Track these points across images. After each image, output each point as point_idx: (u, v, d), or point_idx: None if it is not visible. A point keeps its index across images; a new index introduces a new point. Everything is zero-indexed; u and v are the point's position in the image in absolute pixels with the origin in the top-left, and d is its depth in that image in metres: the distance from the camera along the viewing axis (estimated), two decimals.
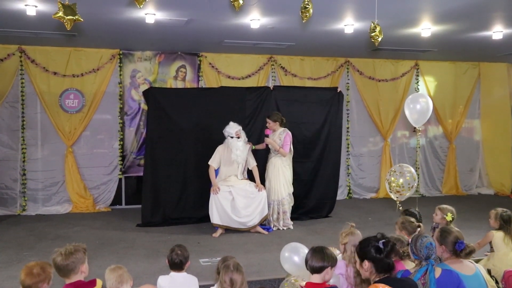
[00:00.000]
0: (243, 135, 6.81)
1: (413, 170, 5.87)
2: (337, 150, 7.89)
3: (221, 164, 6.80)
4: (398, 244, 3.48)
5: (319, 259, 3.01)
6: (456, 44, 8.26)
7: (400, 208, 5.33)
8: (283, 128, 6.95)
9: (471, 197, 9.98)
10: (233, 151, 6.67)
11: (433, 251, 3.12)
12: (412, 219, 4.22)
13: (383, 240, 2.73)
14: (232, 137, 6.70)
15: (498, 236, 4.54)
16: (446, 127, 10.31)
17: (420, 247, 3.11)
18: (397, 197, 5.86)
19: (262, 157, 7.16)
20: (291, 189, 7.03)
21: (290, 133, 6.94)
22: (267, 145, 6.99)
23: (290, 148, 6.92)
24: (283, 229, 6.91)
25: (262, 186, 6.78)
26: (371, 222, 7.37)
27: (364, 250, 2.78)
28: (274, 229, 6.90)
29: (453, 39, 7.79)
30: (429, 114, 6.25)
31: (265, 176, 7.02)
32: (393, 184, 5.76)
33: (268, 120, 6.95)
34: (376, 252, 2.71)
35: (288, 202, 6.99)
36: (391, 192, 5.87)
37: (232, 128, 6.74)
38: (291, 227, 7.00)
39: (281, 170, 6.90)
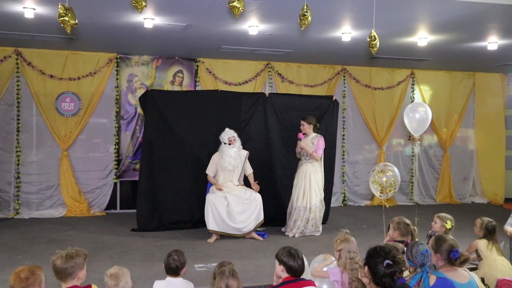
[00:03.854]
0: (238, 141, 6.82)
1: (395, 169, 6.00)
2: (331, 158, 7.91)
3: (218, 170, 6.80)
4: (393, 252, 3.49)
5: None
6: (452, 54, 8.34)
7: (387, 206, 5.36)
8: (315, 133, 6.93)
9: (464, 206, 10.03)
10: (223, 157, 6.67)
11: (428, 258, 3.14)
12: (408, 222, 4.26)
13: (389, 262, 2.69)
14: (225, 143, 6.72)
15: (482, 244, 4.64)
16: (441, 136, 10.38)
17: (416, 253, 3.13)
18: (387, 196, 5.91)
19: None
20: (323, 195, 7.01)
21: (323, 138, 6.93)
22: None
23: (322, 153, 6.91)
24: (308, 235, 6.84)
25: (257, 186, 6.81)
26: (365, 229, 7.39)
27: (369, 258, 2.78)
28: (290, 235, 6.83)
29: (449, 49, 7.86)
30: (428, 123, 6.29)
31: (294, 183, 6.96)
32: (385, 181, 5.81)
33: (303, 122, 6.91)
34: (377, 266, 2.70)
35: (319, 209, 6.93)
36: (382, 193, 5.88)
37: (226, 134, 6.76)
38: (317, 234, 6.93)
39: (313, 177, 6.84)
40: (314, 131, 6.95)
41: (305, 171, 6.87)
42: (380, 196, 5.97)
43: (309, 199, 6.83)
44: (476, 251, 4.70)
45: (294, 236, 6.83)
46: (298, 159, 7.08)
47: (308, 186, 6.83)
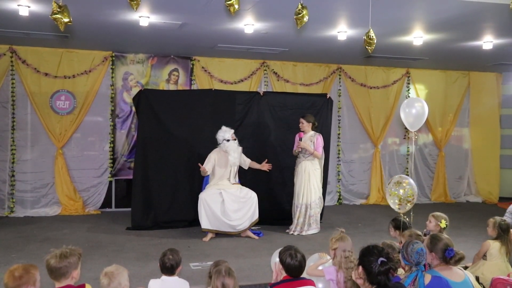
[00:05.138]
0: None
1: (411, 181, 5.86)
2: (326, 156, 7.90)
3: (216, 168, 6.75)
4: (390, 251, 3.49)
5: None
6: (447, 53, 8.36)
7: (406, 218, 5.25)
8: (313, 131, 6.93)
9: (459, 205, 10.07)
10: (231, 153, 6.64)
11: (424, 257, 3.15)
12: (419, 233, 4.12)
13: (383, 259, 2.69)
14: (228, 140, 6.70)
15: (494, 246, 4.58)
16: (436, 135, 10.41)
17: (411, 252, 3.13)
18: (405, 208, 5.77)
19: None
20: (321, 191, 7.04)
21: (321, 135, 6.94)
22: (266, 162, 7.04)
23: (322, 151, 6.92)
24: (307, 233, 6.84)
25: (267, 164, 6.97)
26: (361, 228, 7.40)
27: (362, 257, 2.78)
28: (295, 233, 6.84)
29: (445, 48, 7.88)
30: (424, 118, 6.27)
31: (294, 180, 6.99)
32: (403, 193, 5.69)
33: (302, 120, 6.90)
34: (371, 264, 2.70)
35: (319, 206, 6.97)
36: (400, 205, 5.74)
37: (227, 132, 6.74)
38: (315, 231, 6.92)
39: (312, 174, 6.86)
40: (313, 129, 6.96)
41: (304, 168, 6.88)
42: (398, 209, 5.85)
43: (309, 196, 6.84)
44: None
45: (299, 234, 6.82)
46: (294, 157, 7.05)
47: (308, 183, 6.85)
